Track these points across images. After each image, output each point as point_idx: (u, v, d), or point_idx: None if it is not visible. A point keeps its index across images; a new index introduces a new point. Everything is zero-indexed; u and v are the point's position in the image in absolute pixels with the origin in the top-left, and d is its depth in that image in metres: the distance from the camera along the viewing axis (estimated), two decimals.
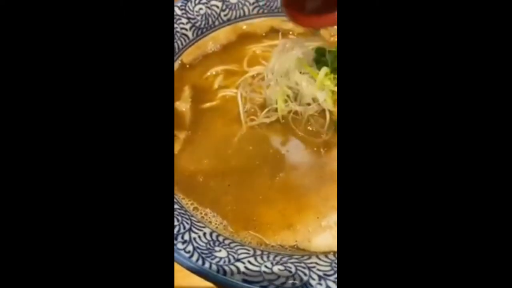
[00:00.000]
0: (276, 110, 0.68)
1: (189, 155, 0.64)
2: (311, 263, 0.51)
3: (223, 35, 0.83)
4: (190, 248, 0.50)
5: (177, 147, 0.65)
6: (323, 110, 0.67)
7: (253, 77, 0.74)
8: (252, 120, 0.68)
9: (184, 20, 0.77)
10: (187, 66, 0.78)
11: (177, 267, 0.47)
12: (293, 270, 0.49)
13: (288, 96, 0.68)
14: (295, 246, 0.54)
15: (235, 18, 0.83)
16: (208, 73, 0.77)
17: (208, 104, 0.72)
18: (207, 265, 0.48)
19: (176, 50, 0.76)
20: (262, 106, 0.70)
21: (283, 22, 0.87)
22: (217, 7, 0.81)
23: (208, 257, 0.49)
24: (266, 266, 0.50)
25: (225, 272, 0.47)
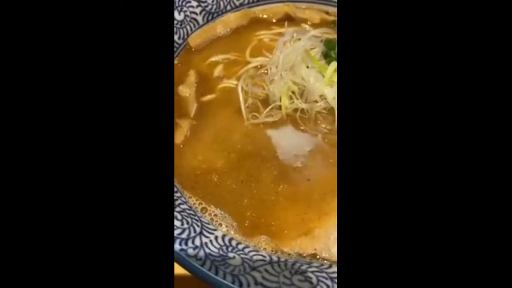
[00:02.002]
0: (279, 107, 0.62)
1: (194, 149, 0.59)
2: (333, 272, 0.47)
3: (234, 18, 0.77)
4: (201, 254, 0.45)
5: (180, 137, 0.60)
6: (332, 108, 0.62)
7: (256, 68, 0.69)
8: (254, 117, 0.62)
9: (194, 3, 0.72)
10: (193, 49, 0.72)
11: None
12: (314, 281, 0.45)
13: (293, 92, 0.62)
14: (315, 255, 0.50)
15: (248, 3, 0.78)
16: (210, 60, 0.71)
17: (208, 96, 0.66)
18: (221, 274, 0.43)
19: (185, 35, 0.71)
20: (265, 102, 0.64)
21: (299, 10, 0.81)
22: None
23: (222, 265, 0.45)
24: (284, 276, 0.45)
25: (241, 284, 0.43)
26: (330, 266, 0.48)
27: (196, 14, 0.72)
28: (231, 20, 0.76)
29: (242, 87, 0.65)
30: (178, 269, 0.44)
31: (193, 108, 0.63)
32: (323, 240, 0.50)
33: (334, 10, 0.82)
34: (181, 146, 0.59)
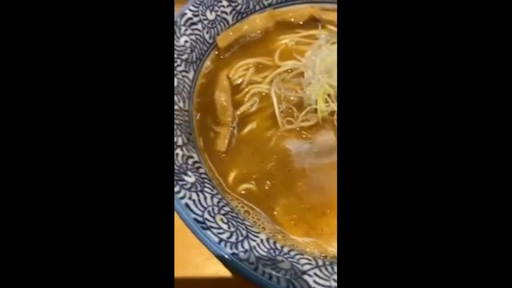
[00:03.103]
0: (315, 111, 0.62)
1: (233, 157, 0.58)
2: None
3: (260, 20, 0.76)
4: (252, 258, 0.45)
5: (221, 145, 0.59)
6: None
7: (286, 72, 0.68)
8: (289, 122, 0.62)
9: (224, 3, 0.71)
10: (222, 50, 0.71)
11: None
12: None
13: (329, 95, 0.62)
14: None
15: (277, 3, 0.77)
16: (240, 64, 0.70)
17: (243, 103, 0.65)
18: (274, 279, 0.43)
19: (216, 35, 0.70)
20: (299, 106, 0.63)
21: (325, 12, 0.81)
22: None
23: (273, 269, 0.44)
24: (334, 280, 0.45)
25: None
26: None
27: (227, 13, 0.71)
28: (257, 22, 0.75)
29: (275, 92, 0.64)
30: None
31: (231, 114, 0.62)
32: None
33: None
34: (222, 154, 0.58)
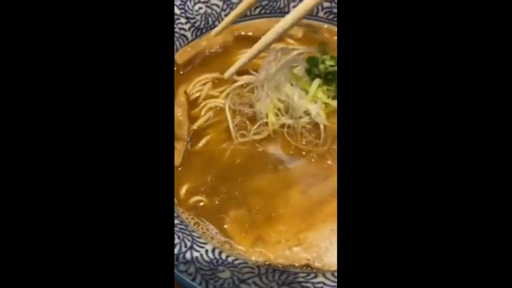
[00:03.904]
0: (266, 124, 0.64)
1: (188, 170, 0.61)
2: (318, 283, 0.49)
3: (219, 35, 0.78)
4: (192, 269, 0.47)
5: (176, 159, 0.61)
6: (316, 123, 0.64)
7: (242, 87, 0.70)
8: (243, 135, 0.64)
9: (183, 20, 0.73)
10: (180, 67, 0.73)
11: None
12: None
13: (279, 109, 0.65)
14: (308, 265, 0.52)
15: None
16: (197, 79, 0.72)
17: (198, 117, 0.67)
18: None
19: (175, 51, 0.72)
20: (253, 119, 0.66)
21: None
22: (218, 6, 0.77)
23: (212, 279, 0.47)
24: None
25: None
26: (316, 276, 0.50)
27: (185, 30, 0.74)
28: (216, 37, 0.77)
29: (229, 106, 0.67)
30: None
31: (186, 129, 0.65)
32: (315, 250, 0.53)
33: (317, 24, 0.84)
34: (177, 168, 0.61)
